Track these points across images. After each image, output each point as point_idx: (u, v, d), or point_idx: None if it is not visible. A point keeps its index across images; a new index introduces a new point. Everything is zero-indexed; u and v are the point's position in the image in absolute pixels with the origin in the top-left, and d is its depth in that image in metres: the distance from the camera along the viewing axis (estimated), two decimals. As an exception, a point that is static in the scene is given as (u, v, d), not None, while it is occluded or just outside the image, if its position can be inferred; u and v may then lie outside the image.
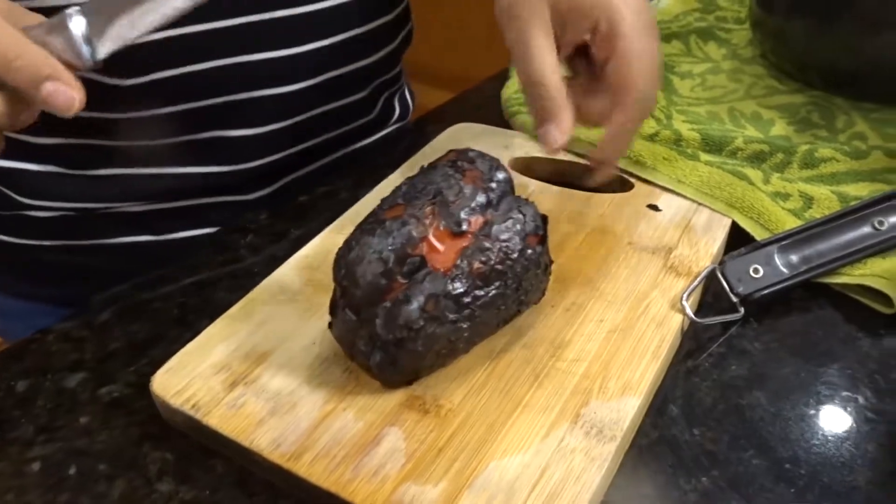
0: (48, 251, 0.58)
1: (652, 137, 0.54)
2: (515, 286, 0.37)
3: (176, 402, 0.37)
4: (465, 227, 0.37)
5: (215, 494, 0.35)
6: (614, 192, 0.50)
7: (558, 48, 0.42)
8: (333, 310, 0.38)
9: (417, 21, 0.69)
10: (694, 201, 0.49)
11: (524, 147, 0.55)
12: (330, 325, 0.38)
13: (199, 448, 0.37)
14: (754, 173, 0.50)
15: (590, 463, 0.33)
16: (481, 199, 0.38)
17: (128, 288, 0.47)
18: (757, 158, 0.52)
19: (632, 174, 0.51)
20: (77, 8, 0.33)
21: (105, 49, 0.34)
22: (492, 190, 0.38)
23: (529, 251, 0.38)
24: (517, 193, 0.40)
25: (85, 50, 0.33)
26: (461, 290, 0.36)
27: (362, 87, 0.61)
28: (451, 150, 0.41)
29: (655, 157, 0.51)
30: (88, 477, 0.36)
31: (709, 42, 0.70)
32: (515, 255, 0.37)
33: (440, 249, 0.36)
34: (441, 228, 0.37)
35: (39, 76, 0.32)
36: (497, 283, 0.37)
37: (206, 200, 0.58)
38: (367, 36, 0.57)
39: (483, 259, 0.36)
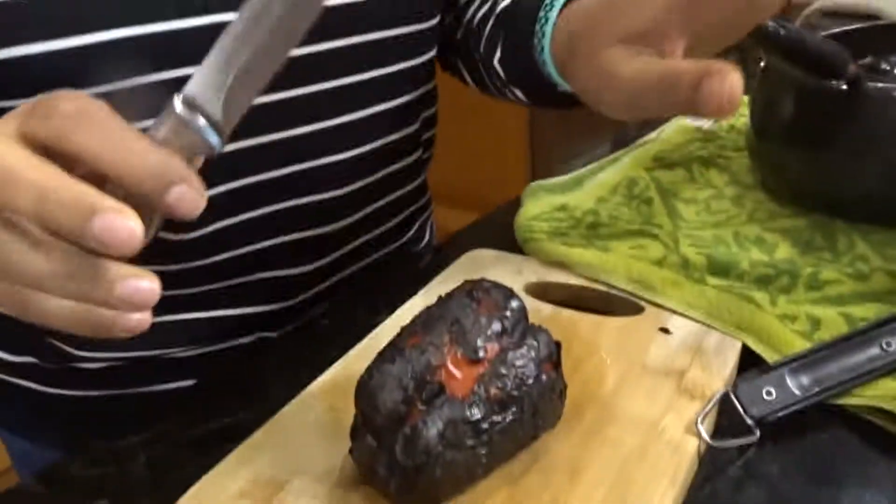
0: (94, 401, 0.59)
1: (660, 262, 0.56)
2: (532, 412, 0.38)
3: (198, 530, 0.37)
4: (481, 354, 0.38)
5: None
6: (626, 314, 0.52)
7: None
8: (355, 435, 0.39)
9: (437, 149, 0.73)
10: (704, 324, 0.50)
11: (537, 272, 0.57)
12: (351, 451, 0.39)
13: (218, 579, 0.37)
14: (761, 296, 0.51)
15: None
16: (496, 326, 0.40)
17: (152, 412, 0.48)
18: (763, 281, 0.54)
19: (642, 298, 0.53)
20: (187, 93, 0.29)
21: (230, 128, 0.30)
22: (506, 318, 0.40)
23: (544, 377, 0.39)
24: (530, 318, 0.42)
25: (213, 138, 0.29)
26: (479, 415, 0.37)
27: (396, 214, 0.65)
28: (466, 281, 0.43)
29: (664, 282, 0.53)
30: None
31: (710, 169, 0.73)
32: (531, 381, 0.38)
33: (458, 376, 0.38)
34: (458, 356, 0.38)
35: (165, 182, 0.27)
36: (513, 409, 0.38)
37: (241, 342, 0.59)
38: (396, 143, 0.60)
39: (500, 385, 0.37)
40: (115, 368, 0.57)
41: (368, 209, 0.60)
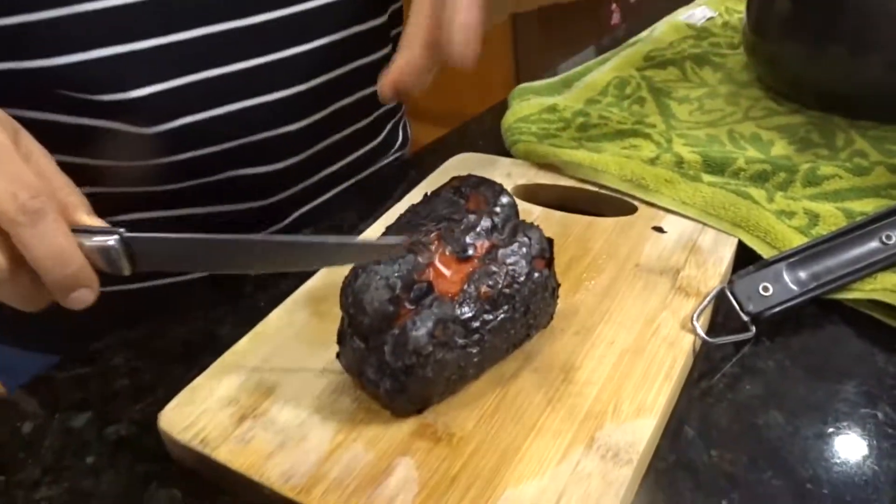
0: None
1: (653, 161, 0.54)
2: (524, 310, 0.37)
3: (184, 437, 0.36)
4: (470, 251, 0.37)
5: (225, 532, 0.35)
6: (618, 215, 0.50)
7: None
8: (341, 339, 0.37)
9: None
10: (699, 222, 0.49)
11: (526, 174, 0.55)
12: (338, 355, 0.38)
13: (207, 485, 0.37)
14: (758, 192, 0.50)
15: (607, 487, 0.33)
16: (486, 223, 0.38)
17: (129, 328, 0.47)
18: (759, 178, 0.52)
19: (634, 197, 0.52)
20: (123, 235, 0.35)
21: (140, 268, 0.36)
22: (496, 214, 0.38)
23: (536, 274, 0.37)
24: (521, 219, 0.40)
25: (124, 266, 0.36)
26: (469, 314, 0.35)
27: (367, 114, 0.63)
28: (454, 178, 0.41)
29: (657, 180, 0.51)
30: (95, 518, 0.36)
31: (704, 67, 0.71)
32: (522, 279, 0.37)
33: (447, 275, 0.36)
34: (447, 254, 0.37)
35: (76, 284, 0.35)
36: (505, 307, 0.36)
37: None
38: (361, 36, 0.58)
39: (490, 283, 0.36)
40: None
41: (335, 106, 0.58)
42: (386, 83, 0.43)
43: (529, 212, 0.51)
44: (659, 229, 0.48)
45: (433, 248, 0.36)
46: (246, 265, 0.39)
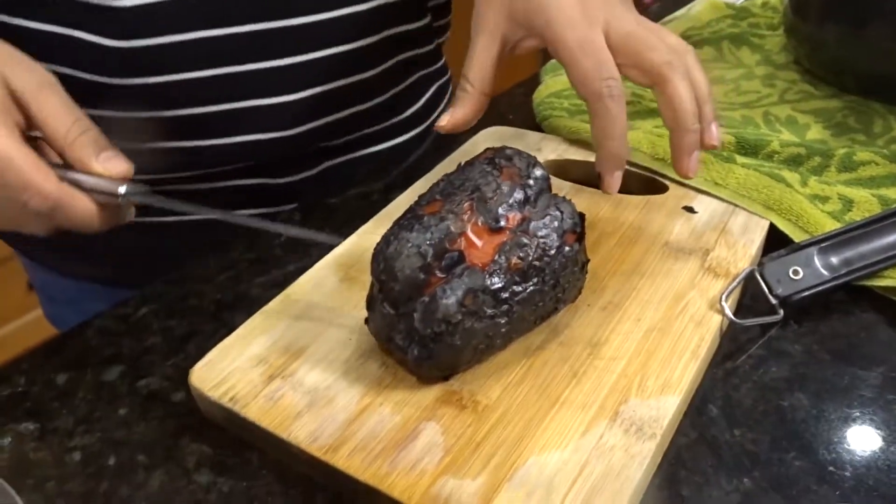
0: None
1: (686, 141, 0.53)
2: (553, 283, 0.37)
3: (214, 394, 0.37)
4: (502, 223, 0.37)
5: (252, 487, 0.35)
6: (648, 194, 0.50)
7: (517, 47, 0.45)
8: (371, 304, 0.38)
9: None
10: (730, 203, 0.48)
11: (557, 150, 0.55)
12: (366, 321, 0.39)
13: (235, 441, 0.37)
14: (792, 176, 0.49)
15: (630, 460, 0.33)
16: (519, 195, 0.38)
17: (163, 285, 0.48)
18: (794, 161, 0.51)
19: (666, 177, 0.51)
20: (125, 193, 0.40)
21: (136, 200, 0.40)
22: (529, 187, 0.38)
23: (567, 248, 0.37)
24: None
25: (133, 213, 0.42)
26: (499, 285, 0.36)
27: (406, 76, 0.63)
28: (487, 148, 0.41)
29: (690, 160, 0.51)
30: (127, 467, 0.37)
31: (741, 48, 0.70)
32: (553, 252, 0.37)
33: (478, 245, 0.36)
34: (479, 224, 0.37)
35: (108, 227, 0.41)
36: (535, 280, 0.37)
37: (245, 182, 0.58)
38: (394, 7, 0.58)
39: (521, 255, 0.36)
40: None
41: (377, 69, 0.59)
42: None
43: (559, 187, 0.51)
44: (689, 209, 0.48)
45: (465, 217, 0.36)
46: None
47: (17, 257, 0.70)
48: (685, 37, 0.72)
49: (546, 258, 0.37)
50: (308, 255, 0.49)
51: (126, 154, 0.41)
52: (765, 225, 0.47)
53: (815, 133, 0.56)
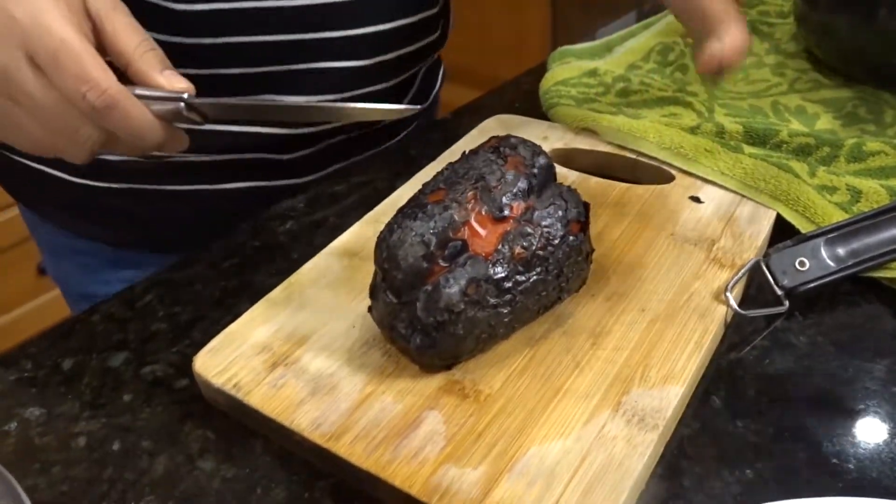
0: (116, 194, 0.61)
1: (693, 130, 0.53)
2: (556, 273, 0.37)
3: (218, 381, 0.37)
4: (506, 212, 0.37)
5: (256, 473, 0.36)
6: (654, 183, 0.50)
7: None
8: (374, 293, 0.38)
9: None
10: (737, 193, 0.48)
11: (563, 138, 0.55)
12: (370, 309, 0.39)
13: (239, 428, 0.38)
14: (800, 166, 0.49)
15: (632, 450, 0.33)
16: (523, 184, 0.38)
17: (169, 271, 0.48)
18: (802, 152, 0.51)
19: (672, 166, 0.51)
20: (188, 101, 0.39)
21: (210, 121, 0.40)
22: (534, 176, 0.38)
23: (571, 238, 0.37)
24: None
25: (198, 119, 0.40)
26: (502, 274, 0.35)
27: (408, 69, 0.64)
28: (492, 137, 0.41)
29: (697, 149, 0.51)
30: (132, 452, 0.37)
31: (751, 36, 0.69)
32: (557, 242, 0.37)
33: (482, 234, 0.36)
34: (483, 213, 0.37)
35: (163, 147, 0.40)
36: (538, 269, 0.36)
37: (251, 156, 0.60)
38: (415, 25, 0.60)
39: (525, 244, 0.36)
40: (136, 164, 0.59)
41: (380, 58, 0.60)
42: (714, 63, 0.47)
43: (565, 176, 0.51)
44: (696, 199, 0.48)
45: (469, 206, 0.36)
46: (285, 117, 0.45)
47: (27, 242, 0.71)
48: (694, 24, 0.71)
49: (550, 248, 0.37)
50: (312, 243, 0.49)
51: None
52: (771, 215, 0.46)
53: (825, 123, 0.56)
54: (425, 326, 0.35)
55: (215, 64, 0.54)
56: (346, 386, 0.37)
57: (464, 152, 0.40)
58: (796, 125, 0.55)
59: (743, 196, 0.48)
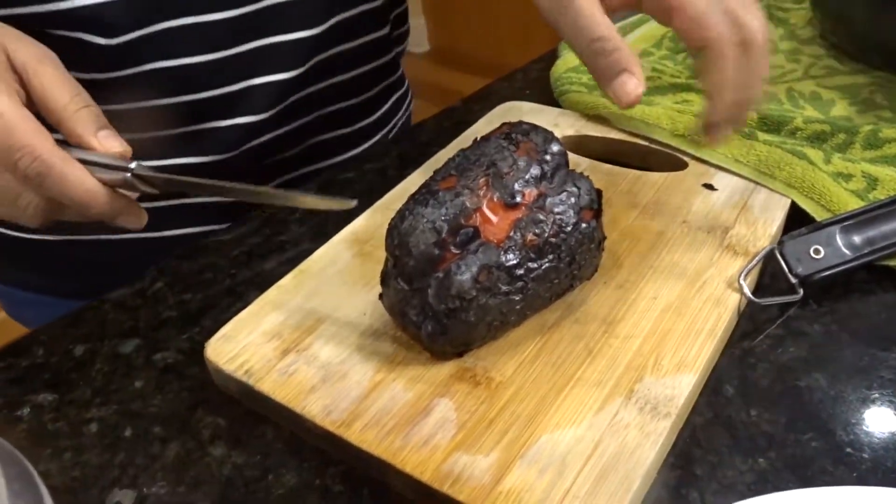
0: (52, 246, 0.59)
1: (707, 117, 0.52)
2: (569, 260, 0.37)
3: (229, 367, 0.37)
4: (518, 199, 0.36)
5: (267, 459, 0.36)
6: (667, 170, 0.49)
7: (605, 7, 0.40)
8: (385, 280, 0.38)
9: (458, 10, 0.69)
10: (751, 181, 0.48)
11: (574, 125, 0.54)
12: (381, 297, 0.38)
13: (250, 414, 0.38)
14: (815, 153, 0.48)
15: (644, 439, 0.33)
16: (535, 171, 0.37)
17: (178, 259, 0.48)
18: (817, 138, 0.50)
19: (685, 153, 0.50)
20: (134, 172, 0.38)
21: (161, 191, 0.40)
22: (546, 162, 0.38)
23: (584, 225, 0.37)
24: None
25: (146, 190, 0.39)
26: (514, 261, 0.35)
27: (364, 88, 0.63)
28: (504, 123, 0.41)
29: (711, 136, 0.50)
30: (143, 438, 0.37)
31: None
32: (569, 229, 0.37)
33: (493, 221, 0.36)
34: (495, 200, 0.36)
35: (116, 213, 0.39)
36: (550, 256, 0.36)
37: (202, 200, 0.58)
38: (354, 20, 0.58)
39: (537, 231, 0.36)
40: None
41: (334, 80, 0.59)
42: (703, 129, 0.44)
43: (577, 163, 0.50)
44: (709, 186, 0.47)
45: (481, 193, 0.36)
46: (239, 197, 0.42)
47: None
48: (707, 10, 0.70)
49: (562, 235, 0.36)
50: (324, 230, 0.49)
51: None
52: (786, 203, 0.46)
53: (840, 109, 0.55)
54: (437, 313, 0.35)
55: (148, 95, 0.52)
56: (357, 373, 0.37)
57: (475, 139, 0.40)
58: (811, 112, 0.54)
59: (757, 183, 0.47)
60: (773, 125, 0.52)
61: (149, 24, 0.49)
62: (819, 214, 0.45)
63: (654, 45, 0.66)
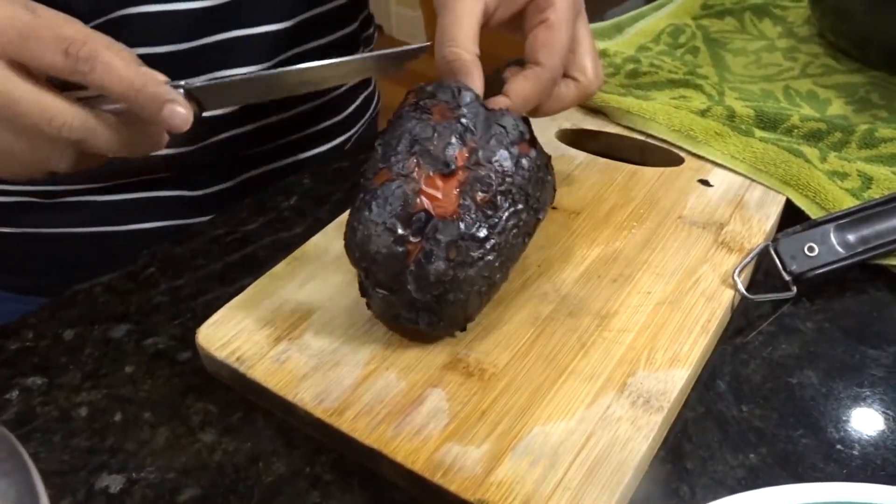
0: (12, 238, 0.58)
1: (703, 112, 0.52)
2: (524, 198, 0.36)
3: (221, 354, 0.37)
4: (453, 165, 0.35)
5: (257, 446, 0.36)
6: (663, 166, 0.49)
7: (491, 18, 0.42)
8: (364, 291, 0.37)
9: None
10: (746, 177, 0.48)
11: (571, 119, 0.54)
12: (367, 306, 0.38)
13: (241, 401, 0.37)
14: (811, 151, 0.48)
15: (636, 432, 0.33)
16: (458, 128, 0.36)
17: (170, 244, 0.48)
18: (814, 137, 0.50)
19: (682, 148, 0.50)
20: (188, 87, 0.37)
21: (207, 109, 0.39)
22: (464, 116, 0.36)
23: (524, 161, 0.36)
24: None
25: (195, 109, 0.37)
26: (476, 226, 0.34)
27: (336, 87, 0.62)
28: (409, 92, 0.39)
29: (707, 132, 0.50)
30: (133, 424, 0.37)
31: (764, 19, 0.68)
32: (512, 170, 0.35)
33: (439, 197, 0.34)
34: (431, 175, 0.35)
35: (161, 100, 0.36)
36: (506, 205, 0.35)
37: (162, 194, 0.57)
38: (323, 17, 0.58)
39: (483, 188, 0.35)
40: (26, 205, 0.56)
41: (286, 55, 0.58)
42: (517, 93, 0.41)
43: (573, 158, 0.50)
44: (705, 182, 0.47)
45: (415, 174, 0.35)
46: (284, 91, 0.42)
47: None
48: (707, 6, 0.70)
49: (508, 179, 0.35)
50: (317, 218, 0.49)
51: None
52: (781, 200, 0.46)
53: (837, 108, 0.55)
54: (426, 304, 0.35)
55: None
56: (349, 362, 0.37)
57: (388, 121, 0.38)
58: (808, 110, 0.55)
59: (753, 180, 0.47)
60: (769, 122, 0.52)
61: (112, 10, 0.48)
62: (814, 212, 0.45)
63: (652, 41, 0.65)
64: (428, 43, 0.41)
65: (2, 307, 0.61)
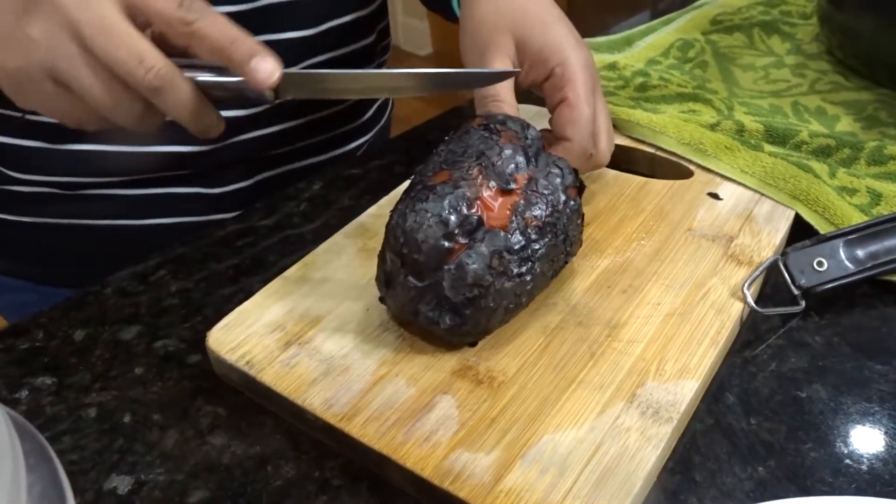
0: (33, 229, 0.58)
1: (713, 126, 0.53)
2: (563, 237, 0.38)
3: (231, 357, 0.37)
4: (513, 184, 0.37)
5: (266, 450, 0.36)
6: (672, 178, 0.50)
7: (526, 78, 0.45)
8: (390, 281, 0.37)
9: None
10: (756, 191, 0.48)
11: (581, 130, 0.55)
12: (381, 300, 0.38)
13: (250, 405, 0.38)
14: (820, 167, 0.48)
15: (645, 442, 0.33)
16: (521, 156, 0.38)
17: (181, 247, 0.48)
18: (823, 153, 0.51)
19: (691, 162, 0.51)
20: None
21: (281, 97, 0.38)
22: (529, 147, 0.39)
23: (572, 202, 0.38)
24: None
25: (269, 96, 0.37)
26: (521, 243, 0.36)
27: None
28: (477, 116, 0.41)
29: (717, 146, 0.50)
30: (142, 425, 0.37)
31: (772, 36, 0.68)
32: (561, 207, 0.37)
33: (494, 207, 0.36)
34: (492, 187, 0.36)
35: (253, 52, 0.36)
36: (549, 236, 0.37)
37: (179, 190, 0.58)
38: (345, 27, 0.59)
39: (535, 213, 0.36)
40: (51, 196, 0.56)
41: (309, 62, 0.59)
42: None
43: (583, 167, 0.50)
44: (714, 196, 0.48)
45: (478, 182, 0.36)
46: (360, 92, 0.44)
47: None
48: (716, 21, 0.71)
49: (556, 213, 0.37)
50: (327, 224, 0.49)
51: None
52: (790, 214, 0.46)
53: (845, 125, 0.55)
54: (454, 305, 0.35)
55: None
56: (359, 368, 0.37)
57: (453, 133, 0.40)
58: (816, 126, 0.55)
59: (762, 194, 0.48)
60: (778, 137, 0.52)
61: None
62: (823, 227, 0.45)
63: (661, 55, 0.66)
64: (518, 69, 0.44)
65: (17, 296, 0.62)
